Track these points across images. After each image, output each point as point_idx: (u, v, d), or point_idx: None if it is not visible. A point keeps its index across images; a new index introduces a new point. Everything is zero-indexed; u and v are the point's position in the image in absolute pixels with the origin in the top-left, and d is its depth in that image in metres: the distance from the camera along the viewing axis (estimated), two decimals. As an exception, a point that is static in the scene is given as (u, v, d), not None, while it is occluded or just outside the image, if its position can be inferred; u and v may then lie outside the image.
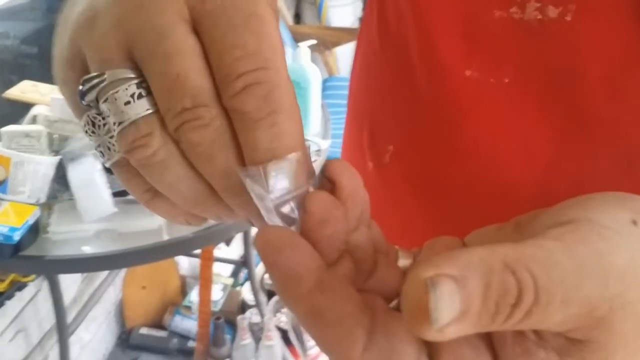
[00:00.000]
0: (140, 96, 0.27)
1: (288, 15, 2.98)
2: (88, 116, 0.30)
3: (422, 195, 0.50)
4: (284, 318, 2.21)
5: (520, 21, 0.41)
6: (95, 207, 1.18)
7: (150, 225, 1.24)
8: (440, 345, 0.25)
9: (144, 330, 2.22)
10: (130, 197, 1.29)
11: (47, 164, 1.19)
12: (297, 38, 2.45)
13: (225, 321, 2.14)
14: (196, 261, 2.08)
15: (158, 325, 2.25)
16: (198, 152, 0.27)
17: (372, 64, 0.56)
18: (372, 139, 0.55)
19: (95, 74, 0.28)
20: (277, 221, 0.27)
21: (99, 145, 0.30)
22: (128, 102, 0.27)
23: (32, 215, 1.16)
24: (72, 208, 1.20)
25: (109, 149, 0.29)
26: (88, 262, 1.21)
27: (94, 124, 0.29)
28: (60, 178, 1.22)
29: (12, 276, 1.47)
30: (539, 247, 0.23)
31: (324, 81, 2.47)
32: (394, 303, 0.28)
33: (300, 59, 1.52)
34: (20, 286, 1.51)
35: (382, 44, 0.53)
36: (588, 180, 0.40)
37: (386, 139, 0.53)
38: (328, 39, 2.68)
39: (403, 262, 0.30)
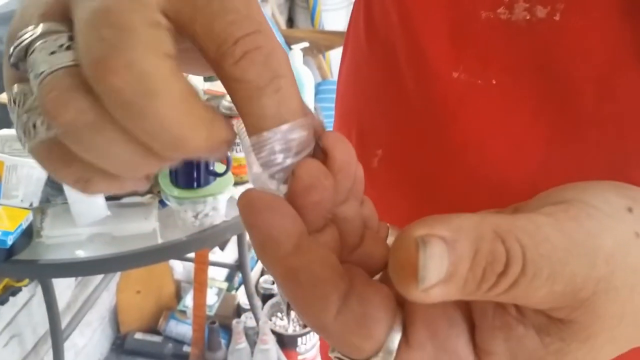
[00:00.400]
0: (68, 48, 0.24)
1: (281, 19, 2.98)
2: (11, 91, 0.26)
3: (411, 198, 0.50)
4: (279, 322, 2.21)
5: (507, 22, 0.40)
6: (89, 210, 1.18)
7: (144, 228, 1.24)
8: (414, 313, 0.25)
9: (138, 335, 2.22)
10: (124, 200, 1.29)
11: (40, 168, 1.19)
12: (290, 42, 2.45)
13: (220, 325, 2.13)
14: (191, 265, 2.08)
15: (153, 330, 2.25)
16: (120, 103, 0.22)
17: (360, 66, 0.56)
18: (361, 143, 0.55)
19: (27, 28, 0.25)
20: (280, 188, 0.27)
21: (20, 127, 0.26)
22: (53, 52, 0.24)
23: (25, 219, 1.16)
24: (66, 212, 1.20)
25: (25, 132, 0.26)
26: (82, 266, 1.21)
27: (14, 101, 0.26)
28: (54, 182, 1.23)
29: (5, 281, 1.46)
30: (530, 221, 0.23)
31: (318, 85, 2.48)
32: (376, 277, 0.28)
33: (293, 62, 1.52)
34: (14, 291, 1.51)
35: (370, 47, 0.53)
36: (580, 180, 0.40)
37: (375, 143, 0.53)
38: (321, 43, 2.68)
39: (392, 239, 0.30)
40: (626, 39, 0.37)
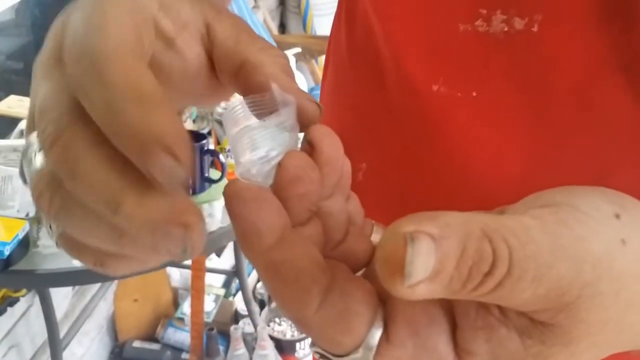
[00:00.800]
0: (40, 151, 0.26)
1: (273, 25, 2.99)
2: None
3: (396, 211, 0.49)
4: (277, 327, 2.21)
5: (485, 34, 0.41)
6: (85, 219, 1.18)
7: (140, 236, 1.24)
8: (396, 310, 0.25)
9: (137, 344, 2.21)
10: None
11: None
12: (283, 48, 2.46)
13: (218, 332, 2.13)
14: (188, 272, 2.08)
15: (151, 338, 2.24)
16: (64, 175, 0.24)
17: (342, 79, 0.56)
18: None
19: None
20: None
21: (45, 227, 0.29)
22: (30, 163, 0.26)
23: (21, 229, 1.17)
24: (62, 221, 1.20)
25: (48, 231, 0.29)
26: (79, 275, 1.21)
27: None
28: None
29: (3, 291, 1.46)
30: (518, 222, 0.23)
31: (311, 89, 2.48)
32: (359, 274, 0.28)
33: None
34: (12, 301, 1.51)
35: (352, 60, 0.53)
36: None
37: (359, 156, 0.52)
38: (314, 48, 2.69)
39: (376, 236, 0.31)
40: (603, 48, 0.38)
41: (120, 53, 0.24)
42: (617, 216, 0.26)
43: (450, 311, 0.26)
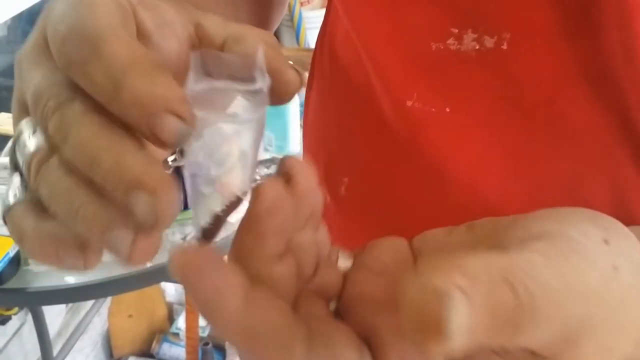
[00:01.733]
0: (34, 134, 0.28)
1: (266, 38, 3.00)
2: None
3: (377, 225, 0.50)
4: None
5: (457, 52, 0.41)
6: (77, 236, 1.18)
7: (132, 252, 1.23)
8: (384, 347, 0.25)
9: (132, 359, 2.20)
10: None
11: (26, 195, 1.18)
12: (276, 60, 2.46)
13: (213, 346, 2.12)
14: (182, 287, 2.07)
15: (146, 353, 2.23)
16: (59, 140, 0.26)
17: (326, 95, 0.56)
18: (328, 172, 0.55)
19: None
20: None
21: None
22: (25, 145, 0.27)
23: (12, 247, 1.16)
24: (53, 238, 1.20)
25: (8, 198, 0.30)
26: (71, 292, 1.20)
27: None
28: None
29: (-6, 310, 1.46)
30: (529, 262, 0.23)
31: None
32: (332, 305, 0.28)
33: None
34: (4, 320, 1.50)
35: (335, 77, 0.54)
36: (536, 202, 0.40)
37: (341, 171, 0.53)
38: (306, 60, 2.68)
39: (343, 262, 0.30)
40: (570, 61, 0.39)
41: (114, 28, 0.26)
42: (606, 242, 0.26)
43: None
